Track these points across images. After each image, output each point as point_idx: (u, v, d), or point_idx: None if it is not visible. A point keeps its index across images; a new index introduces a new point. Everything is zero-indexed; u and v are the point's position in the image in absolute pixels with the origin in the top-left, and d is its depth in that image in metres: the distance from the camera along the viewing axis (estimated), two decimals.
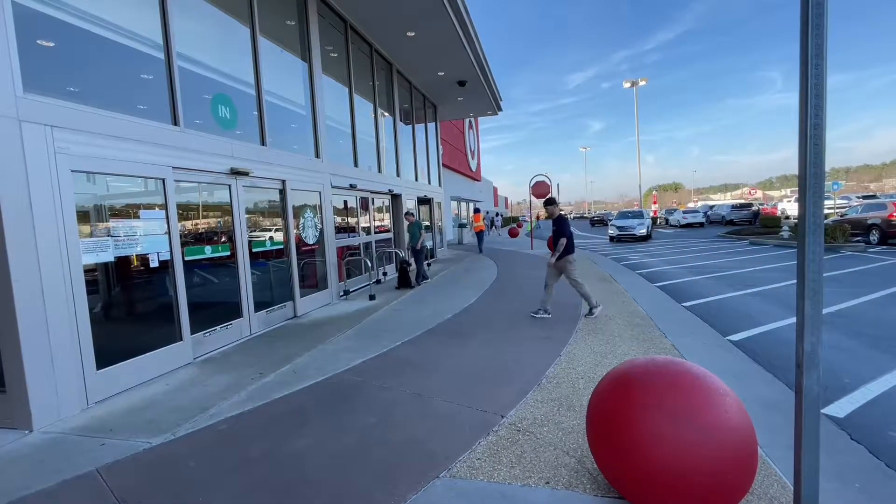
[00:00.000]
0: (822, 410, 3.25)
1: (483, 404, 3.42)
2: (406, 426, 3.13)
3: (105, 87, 4.10)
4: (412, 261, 9.38)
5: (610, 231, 21.80)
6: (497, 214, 38.17)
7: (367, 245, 9.86)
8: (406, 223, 10.14)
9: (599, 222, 40.21)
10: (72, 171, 3.62)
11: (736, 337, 5.15)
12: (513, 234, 25.98)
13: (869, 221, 14.41)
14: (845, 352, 4.58)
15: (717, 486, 1.88)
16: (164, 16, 4.64)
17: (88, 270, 3.76)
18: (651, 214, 42.22)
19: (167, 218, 4.50)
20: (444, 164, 19.23)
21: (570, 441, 2.84)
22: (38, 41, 3.56)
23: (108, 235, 3.96)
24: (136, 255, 4.22)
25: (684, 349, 4.56)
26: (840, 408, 3.33)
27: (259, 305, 6.05)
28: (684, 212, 34.57)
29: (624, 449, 1.99)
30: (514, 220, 47.90)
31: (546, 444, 2.82)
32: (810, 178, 1.50)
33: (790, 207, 29.45)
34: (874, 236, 14.12)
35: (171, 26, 4.68)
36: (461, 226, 22.64)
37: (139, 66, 4.48)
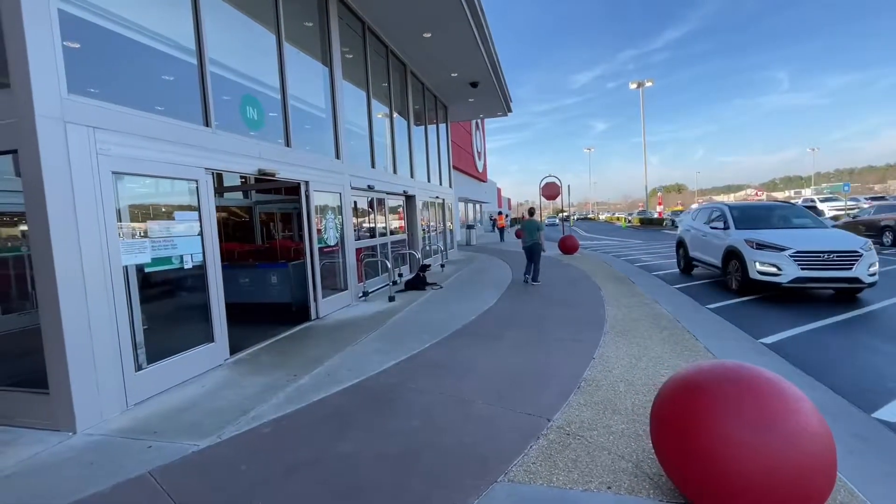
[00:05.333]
0: (873, 414, 3.24)
1: (526, 407, 3.40)
2: (452, 430, 3.11)
3: (142, 90, 4.10)
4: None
5: (772, 263, 7.15)
6: (507, 216, 43.48)
7: (384, 246, 9.86)
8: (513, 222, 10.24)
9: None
10: (112, 172, 3.62)
11: (768, 340, 5.11)
12: (519, 234, 25.97)
13: (882, 223, 14.36)
14: (884, 354, 4.55)
15: (796, 494, 1.86)
16: (196, 23, 4.64)
17: (125, 271, 3.75)
18: (656, 215, 42.05)
19: (200, 219, 4.50)
20: (452, 165, 19.23)
21: (622, 445, 2.82)
22: (82, 45, 3.56)
23: (146, 237, 3.96)
24: (172, 257, 4.21)
25: (718, 351, 4.53)
26: (891, 412, 3.29)
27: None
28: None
29: (700, 456, 1.97)
30: (517, 220, 47.93)
31: (599, 447, 2.80)
32: None
33: None
34: (888, 238, 14.06)
35: (204, 32, 4.67)
36: (469, 227, 22.62)
37: (174, 69, 4.48)
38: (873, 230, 14.58)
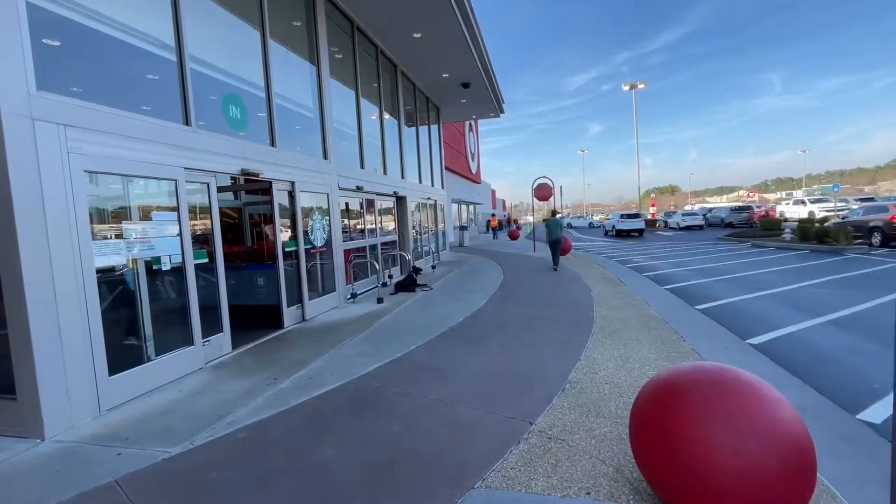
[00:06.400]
0: (858, 416, 3.20)
1: (509, 411, 3.34)
2: (432, 434, 3.04)
3: (118, 87, 4.00)
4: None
5: None
6: (503, 217, 48.07)
7: (374, 247, 9.77)
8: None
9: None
10: (84, 171, 3.52)
11: (755, 340, 5.09)
12: (513, 236, 25.93)
13: (871, 224, 14.44)
14: (869, 356, 4.53)
15: (775, 498, 1.81)
16: (176, 18, 4.55)
17: (99, 273, 3.65)
18: (650, 217, 42.33)
19: (179, 220, 4.40)
20: (445, 167, 19.17)
21: (604, 449, 2.76)
22: (52, 40, 3.46)
23: (121, 238, 3.86)
24: (148, 258, 4.11)
25: (705, 352, 4.50)
26: (876, 413, 3.26)
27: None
28: (683, 214, 34.57)
29: (676, 459, 1.91)
30: (513, 221, 48.21)
31: (580, 452, 2.74)
32: None
33: (789, 210, 29.50)
34: (876, 239, 14.14)
35: (184, 28, 4.59)
36: (463, 228, 22.57)
37: (152, 67, 4.39)
38: (862, 231, 14.69)
